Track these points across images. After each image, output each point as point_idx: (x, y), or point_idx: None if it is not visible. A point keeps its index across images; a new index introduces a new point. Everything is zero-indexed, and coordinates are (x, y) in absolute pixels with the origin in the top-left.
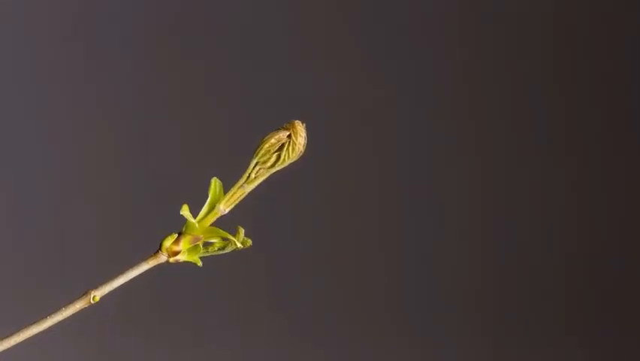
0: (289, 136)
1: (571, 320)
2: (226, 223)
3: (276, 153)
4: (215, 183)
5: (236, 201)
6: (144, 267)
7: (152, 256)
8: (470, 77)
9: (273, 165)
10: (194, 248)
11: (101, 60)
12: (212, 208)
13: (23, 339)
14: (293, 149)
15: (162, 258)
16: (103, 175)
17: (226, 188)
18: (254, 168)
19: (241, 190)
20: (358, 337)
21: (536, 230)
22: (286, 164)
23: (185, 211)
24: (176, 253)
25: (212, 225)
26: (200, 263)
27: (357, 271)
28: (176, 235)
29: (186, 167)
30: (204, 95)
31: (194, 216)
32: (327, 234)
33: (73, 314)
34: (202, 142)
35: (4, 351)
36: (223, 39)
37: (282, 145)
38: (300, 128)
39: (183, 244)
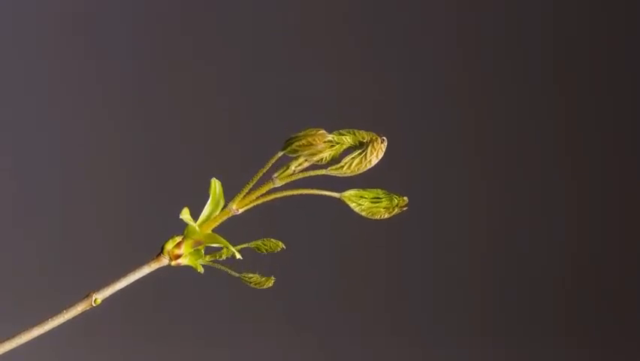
0: (362, 146)
1: (571, 320)
2: (230, 225)
3: (332, 154)
4: (214, 184)
5: (257, 202)
6: (146, 270)
7: (154, 258)
8: (470, 77)
9: (325, 162)
10: (196, 252)
11: (103, 62)
12: (213, 211)
13: (25, 341)
14: (361, 161)
15: (164, 261)
16: (105, 176)
17: (231, 190)
18: (296, 159)
19: (269, 185)
20: (358, 337)
21: (537, 231)
22: (343, 173)
23: (185, 215)
24: (178, 257)
25: (220, 226)
26: (201, 269)
27: (358, 271)
28: (178, 239)
29: (191, 168)
30: (206, 96)
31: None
32: (327, 234)
33: (74, 316)
34: (207, 143)
35: (6, 353)
36: (223, 40)
37: (356, 151)
38: (381, 148)
39: (185, 248)
